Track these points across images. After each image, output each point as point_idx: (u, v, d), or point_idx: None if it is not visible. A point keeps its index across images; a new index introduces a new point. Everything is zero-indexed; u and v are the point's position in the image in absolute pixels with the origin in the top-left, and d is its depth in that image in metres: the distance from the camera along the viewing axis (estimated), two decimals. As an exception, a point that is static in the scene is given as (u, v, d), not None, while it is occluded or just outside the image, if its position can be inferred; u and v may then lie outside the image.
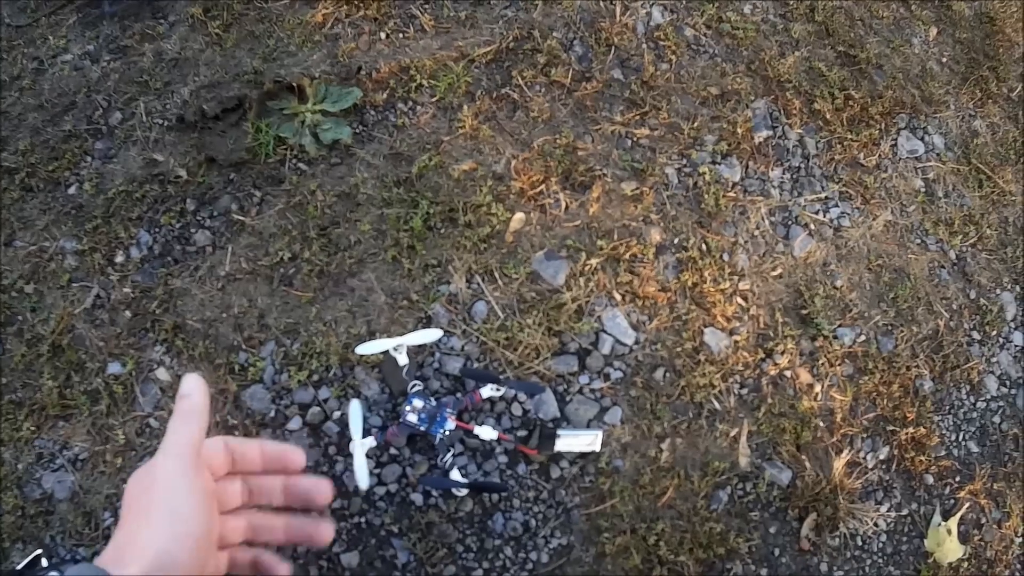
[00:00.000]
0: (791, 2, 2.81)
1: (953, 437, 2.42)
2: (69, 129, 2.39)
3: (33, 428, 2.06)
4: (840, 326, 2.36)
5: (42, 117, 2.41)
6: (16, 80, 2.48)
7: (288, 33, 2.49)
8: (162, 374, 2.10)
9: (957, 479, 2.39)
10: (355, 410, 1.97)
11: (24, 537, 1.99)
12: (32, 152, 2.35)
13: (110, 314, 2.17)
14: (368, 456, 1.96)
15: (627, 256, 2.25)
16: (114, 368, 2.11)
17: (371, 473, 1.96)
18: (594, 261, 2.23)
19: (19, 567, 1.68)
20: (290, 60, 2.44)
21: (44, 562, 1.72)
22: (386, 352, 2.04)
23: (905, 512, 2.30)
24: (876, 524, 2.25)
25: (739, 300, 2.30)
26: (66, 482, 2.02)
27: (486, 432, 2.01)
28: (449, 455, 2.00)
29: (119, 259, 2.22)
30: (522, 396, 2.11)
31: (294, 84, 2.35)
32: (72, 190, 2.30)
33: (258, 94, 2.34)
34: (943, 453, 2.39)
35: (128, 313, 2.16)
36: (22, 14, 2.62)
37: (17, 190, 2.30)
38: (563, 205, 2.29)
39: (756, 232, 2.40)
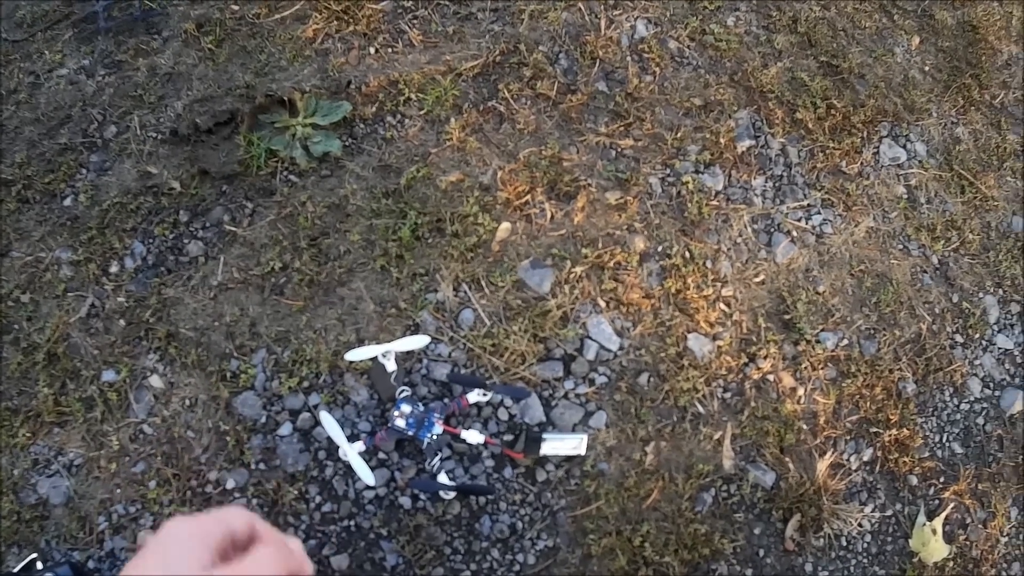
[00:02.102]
0: (774, 13, 2.85)
1: (937, 438, 2.45)
2: (65, 142, 2.43)
3: (29, 434, 2.10)
4: (823, 331, 2.40)
5: (38, 130, 2.46)
6: (13, 94, 2.53)
7: (279, 48, 2.54)
8: (155, 381, 2.14)
9: (941, 480, 2.42)
10: (328, 420, 2.02)
11: (19, 541, 2.03)
12: (28, 164, 2.39)
13: (104, 323, 2.20)
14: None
15: (611, 264, 2.29)
16: (108, 376, 2.15)
17: (373, 470, 2.01)
18: (579, 269, 2.27)
19: (15, 570, 1.72)
20: (281, 75, 2.49)
21: (39, 565, 1.75)
22: (375, 359, 2.08)
23: (889, 513, 2.33)
24: (860, 525, 2.28)
25: (722, 306, 2.33)
26: (61, 487, 2.06)
27: (473, 436, 2.04)
28: (437, 459, 2.03)
29: (113, 269, 2.26)
30: (508, 401, 2.14)
31: (285, 98, 2.40)
32: (68, 202, 2.35)
33: (250, 108, 2.39)
34: (927, 454, 2.42)
35: (122, 322, 2.20)
36: (18, 29, 2.66)
37: (14, 202, 2.35)
38: (548, 215, 2.33)
39: (739, 239, 2.44)
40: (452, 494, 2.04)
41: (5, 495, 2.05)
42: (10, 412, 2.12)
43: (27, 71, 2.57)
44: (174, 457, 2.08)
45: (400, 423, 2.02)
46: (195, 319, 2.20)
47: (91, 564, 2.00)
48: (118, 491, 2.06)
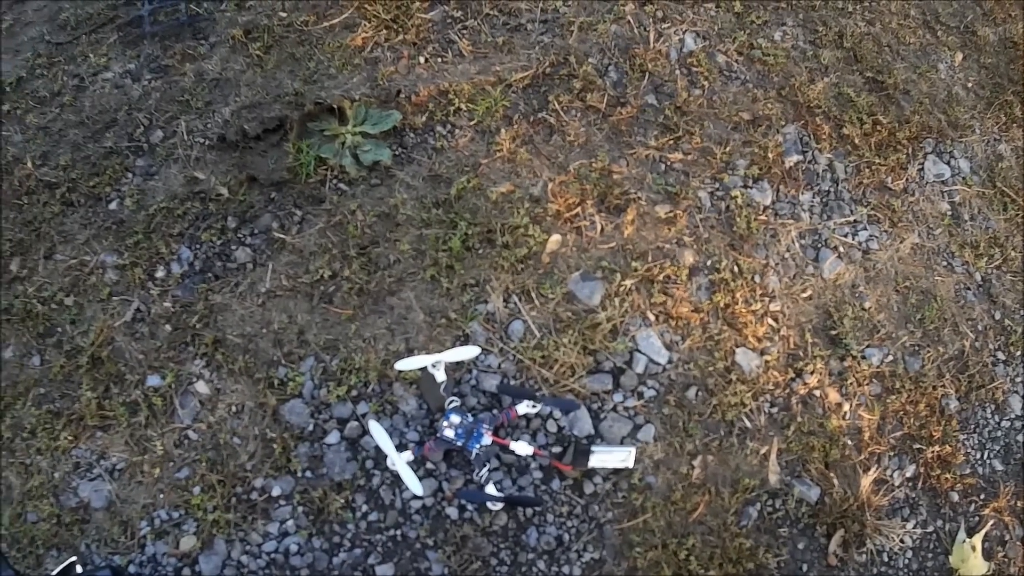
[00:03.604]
0: (820, 29, 2.85)
1: (978, 455, 2.45)
2: (110, 146, 2.43)
3: (71, 438, 2.10)
4: (868, 346, 2.40)
5: (83, 133, 2.46)
6: (56, 96, 2.53)
7: (328, 56, 2.54)
8: (201, 387, 2.14)
9: (982, 496, 2.42)
10: (377, 430, 2.01)
11: (59, 544, 2.03)
12: (73, 167, 2.39)
13: (150, 327, 2.20)
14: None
15: (661, 277, 2.29)
16: (153, 380, 2.14)
17: (420, 480, 2.00)
18: (628, 282, 2.27)
19: (53, 573, 1.72)
20: (330, 82, 2.49)
21: (79, 569, 1.75)
22: (424, 368, 2.08)
23: (931, 529, 2.33)
24: (902, 540, 2.28)
25: (770, 321, 2.33)
26: (103, 491, 2.06)
27: (522, 448, 2.04)
28: (485, 470, 2.03)
29: (160, 274, 2.26)
30: (557, 413, 2.14)
31: (335, 106, 2.40)
32: (113, 205, 2.35)
33: (299, 115, 2.39)
34: (968, 471, 2.42)
35: (168, 327, 2.20)
36: (62, 31, 2.66)
37: (58, 204, 2.35)
38: (598, 227, 2.33)
39: (787, 254, 2.44)
40: (499, 505, 2.04)
41: (45, 498, 2.05)
42: (52, 415, 2.12)
43: (71, 74, 2.57)
44: (219, 463, 2.07)
45: (449, 433, 2.02)
46: (243, 326, 2.20)
47: (132, 569, 2.00)
48: (161, 496, 2.05)
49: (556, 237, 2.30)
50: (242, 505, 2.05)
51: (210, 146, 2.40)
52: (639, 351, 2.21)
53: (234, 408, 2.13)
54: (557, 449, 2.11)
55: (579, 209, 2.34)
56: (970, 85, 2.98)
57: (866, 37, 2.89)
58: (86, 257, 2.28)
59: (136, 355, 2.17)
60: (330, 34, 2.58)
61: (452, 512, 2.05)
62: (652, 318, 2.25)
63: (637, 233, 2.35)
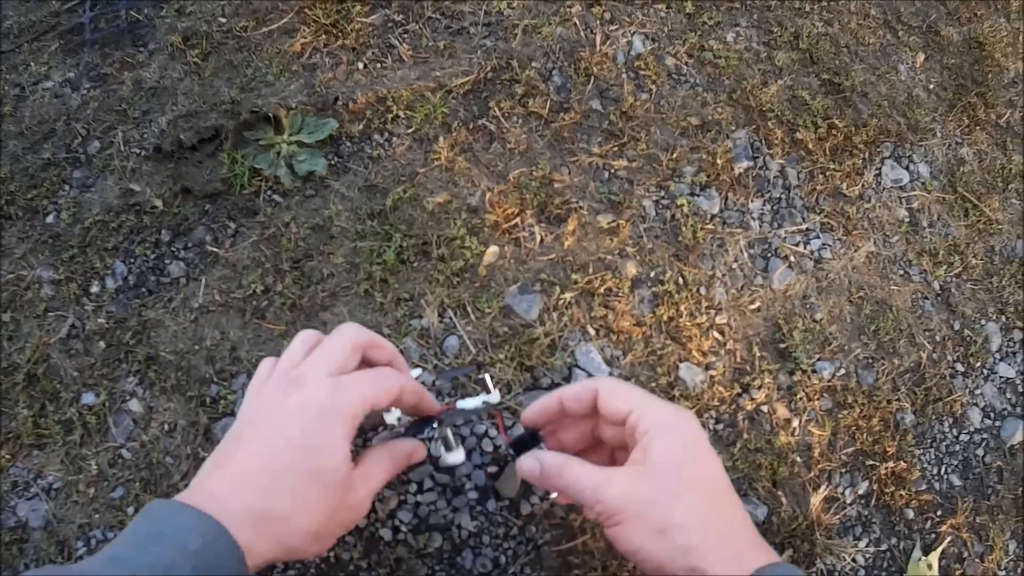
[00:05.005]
0: (775, 29, 2.78)
1: (935, 471, 2.38)
2: (48, 157, 2.38)
3: (9, 456, 2.05)
4: (819, 360, 2.33)
5: (22, 144, 2.41)
6: (-1, 106, 2.49)
7: (266, 63, 2.48)
8: (134, 405, 2.10)
9: (939, 513, 2.35)
10: None
11: (0, 565, 1.99)
12: (11, 180, 2.35)
13: (85, 344, 2.16)
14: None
15: (602, 290, 2.23)
16: (88, 398, 2.10)
17: None
18: (568, 295, 2.21)
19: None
20: (267, 90, 2.43)
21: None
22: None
23: (884, 547, 2.27)
24: (854, 560, 2.22)
25: (716, 334, 2.27)
26: (40, 511, 2.01)
27: (455, 456, 1.97)
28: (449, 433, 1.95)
29: (95, 289, 2.21)
30: (493, 431, 2.09)
31: (271, 114, 2.34)
32: (50, 219, 2.30)
33: (235, 124, 2.33)
34: (924, 487, 2.36)
35: (102, 344, 2.16)
36: (5, 39, 2.61)
37: (-3, 218, 2.31)
38: (538, 238, 2.27)
39: (734, 265, 2.37)
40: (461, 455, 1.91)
41: (-14, 516, 2.02)
42: (-9, 433, 2.08)
43: (13, 83, 2.52)
44: (152, 483, 2.03)
45: (382, 453, 1.97)
46: (175, 342, 2.15)
47: (70, 591, 1.96)
48: (96, 516, 2.01)
49: (494, 249, 2.23)
50: (175, 526, 2.00)
51: (146, 157, 2.35)
52: (578, 367, 2.15)
53: (167, 427, 2.08)
54: (493, 469, 2.06)
55: (518, 219, 2.28)
56: (931, 87, 2.90)
57: (823, 38, 2.81)
58: (23, 272, 2.23)
59: (71, 372, 2.13)
60: (269, 40, 2.52)
61: (386, 533, 2.00)
62: (592, 332, 2.19)
63: (578, 244, 2.28)
